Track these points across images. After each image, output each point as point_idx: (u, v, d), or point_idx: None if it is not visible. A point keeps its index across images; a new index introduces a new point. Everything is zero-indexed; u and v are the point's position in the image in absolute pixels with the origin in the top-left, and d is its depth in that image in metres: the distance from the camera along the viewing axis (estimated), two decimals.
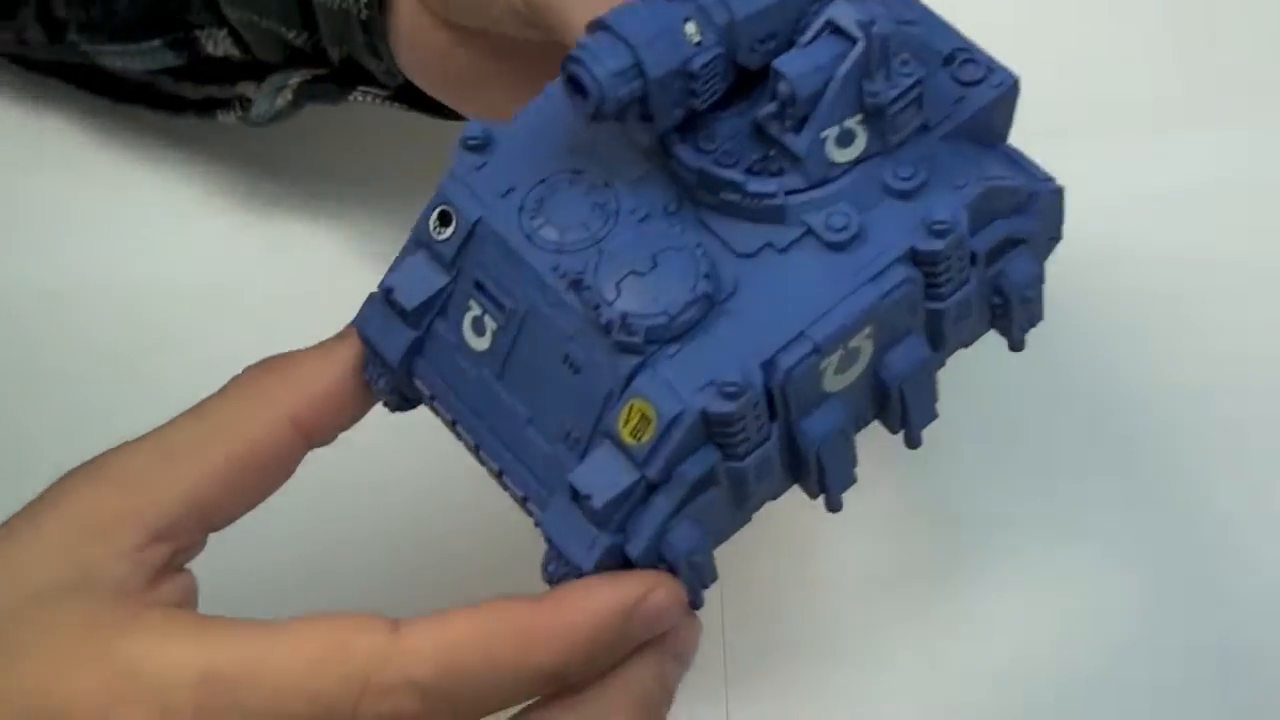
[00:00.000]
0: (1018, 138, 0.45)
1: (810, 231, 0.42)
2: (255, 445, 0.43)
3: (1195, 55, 0.69)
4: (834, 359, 0.41)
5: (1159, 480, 0.60)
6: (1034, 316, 0.45)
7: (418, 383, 0.45)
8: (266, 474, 0.44)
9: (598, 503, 0.41)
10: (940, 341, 0.44)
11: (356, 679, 0.39)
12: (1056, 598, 0.58)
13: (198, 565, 0.44)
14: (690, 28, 0.42)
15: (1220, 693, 0.56)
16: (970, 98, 0.44)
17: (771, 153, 0.43)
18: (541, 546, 0.42)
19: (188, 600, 0.43)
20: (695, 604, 0.43)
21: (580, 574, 0.41)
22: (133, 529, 0.42)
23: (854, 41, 0.41)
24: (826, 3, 0.42)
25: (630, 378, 0.41)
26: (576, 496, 0.41)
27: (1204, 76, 0.68)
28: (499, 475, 0.44)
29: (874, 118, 0.42)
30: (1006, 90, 0.44)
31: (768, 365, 0.41)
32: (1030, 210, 0.44)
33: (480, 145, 0.44)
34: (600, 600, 0.41)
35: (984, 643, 0.57)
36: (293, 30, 0.55)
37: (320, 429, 0.44)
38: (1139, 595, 0.58)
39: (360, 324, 0.45)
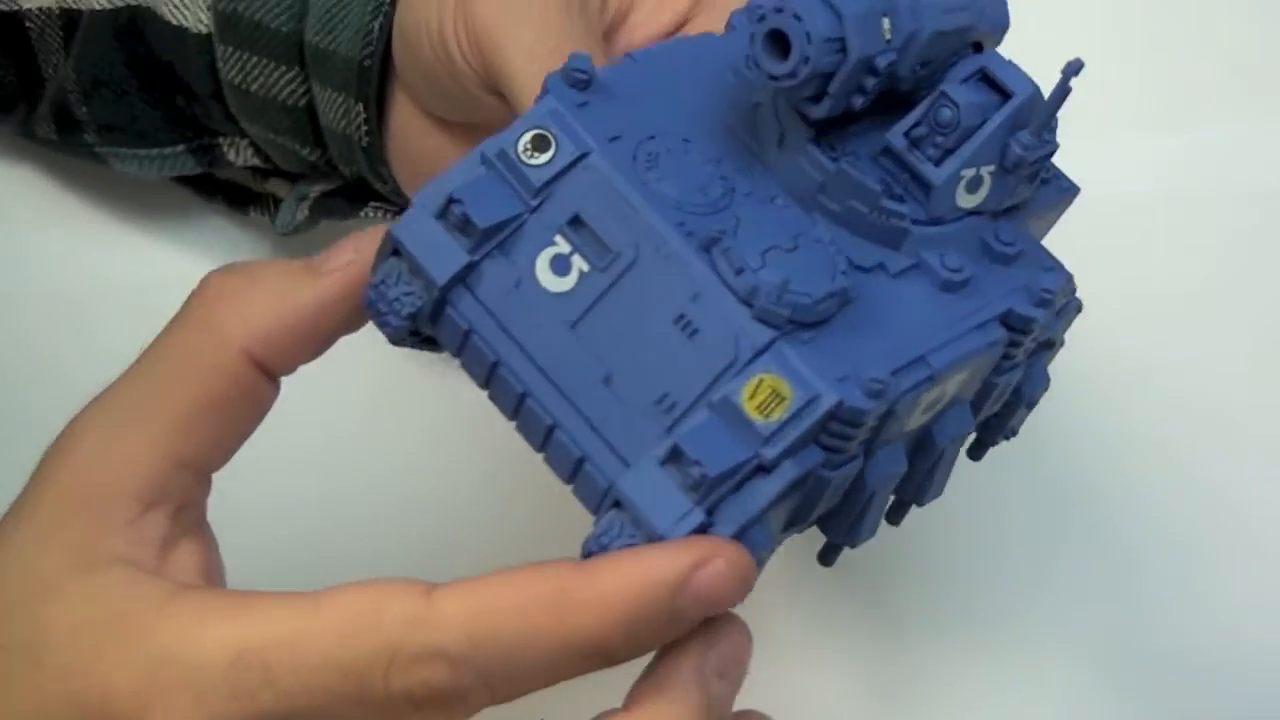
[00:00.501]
0: None
1: (920, 265, 0.42)
2: (214, 389, 0.42)
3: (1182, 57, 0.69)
4: (931, 395, 0.40)
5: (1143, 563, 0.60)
6: (1015, 428, 0.45)
7: (451, 313, 0.42)
8: (237, 412, 0.42)
9: (711, 470, 0.38)
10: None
11: (386, 648, 0.38)
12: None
13: None
14: (886, 23, 0.41)
15: None
16: (1041, 194, 0.44)
17: (903, 177, 0.42)
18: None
19: (209, 564, 0.42)
20: None
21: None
22: (121, 503, 0.41)
23: (1006, 94, 0.41)
24: (968, 53, 0.42)
25: (761, 351, 0.39)
26: (677, 460, 0.39)
27: (1187, 79, 0.68)
28: (549, 430, 0.41)
29: (1004, 173, 0.42)
30: (1069, 196, 0.45)
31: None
32: (1059, 316, 0.44)
33: (584, 83, 0.42)
34: (648, 568, 0.38)
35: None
36: (306, 148, 0.56)
37: (279, 365, 0.43)
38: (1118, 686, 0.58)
39: (401, 234, 0.41)
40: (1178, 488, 0.61)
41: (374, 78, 0.52)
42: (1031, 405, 0.44)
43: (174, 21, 0.56)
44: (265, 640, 0.38)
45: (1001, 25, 0.43)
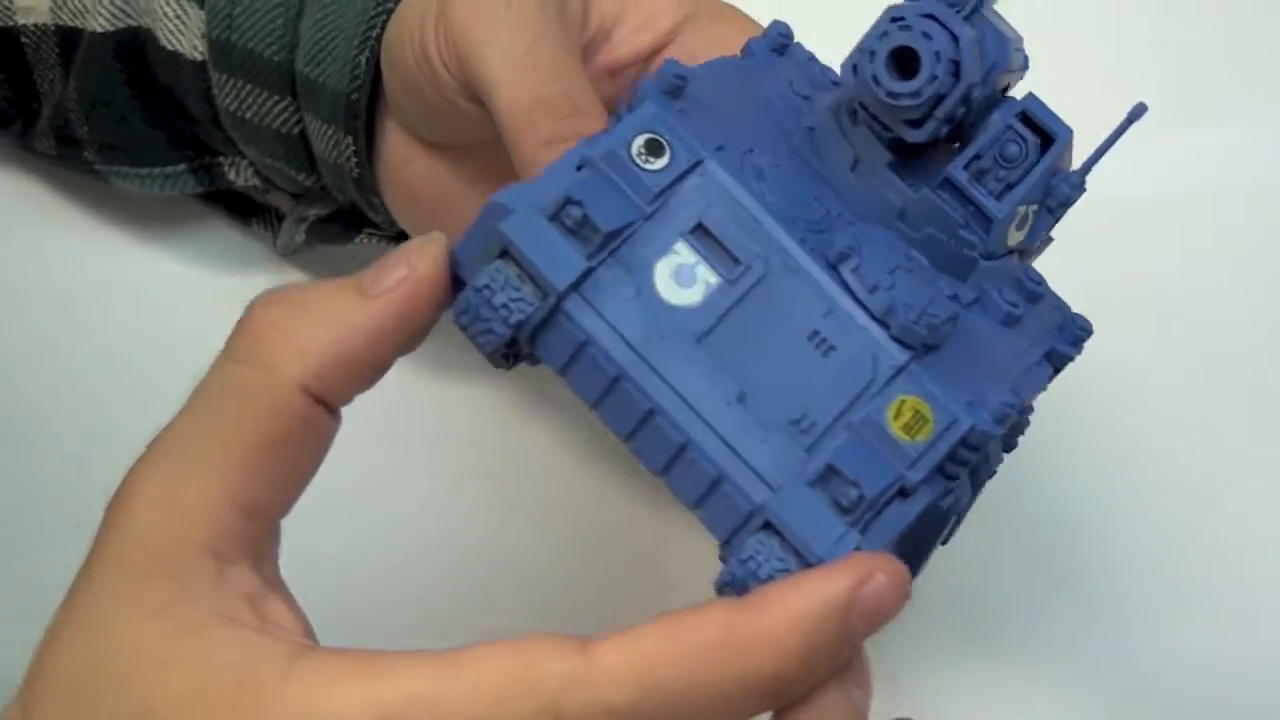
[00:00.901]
0: None
1: (982, 299, 0.42)
2: (274, 430, 0.39)
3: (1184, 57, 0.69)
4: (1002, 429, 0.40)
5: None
6: (995, 469, 0.43)
7: (565, 323, 0.39)
8: (299, 451, 0.39)
9: (870, 491, 0.37)
10: None
11: (547, 710, 0.35)
12: None
13: None
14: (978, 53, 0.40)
15: None
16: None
17: (962, 210, 0.41)
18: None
19: (304, 620, 0.39)
20: None
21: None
22: (197, 560, 0.38)
23: (1045, 135, 0.41)
24: (1003, 98, 0.42)
25: (899, 371, 0.38)
26: (830, 481, 0.38)
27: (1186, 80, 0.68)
28: (680, 449, 0.39)
29: (1047, 213, 0.42)
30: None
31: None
32: None
33: (679, 90, 0.40)
34: (813, 594, 0.36)
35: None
36: (302, 173, 0.56)
37: (338, 397, 0.40)
38: None
39: (514, 235, 0.38)
40: (1176, 491, 0.61)
41: (362, 111, 0.52)
42: (1010, 449, 0.44)
43: (169, 47, 0.56)
44: (406, 702, 0.36)
45: (1023, 67, 0.43)
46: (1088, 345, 0.44)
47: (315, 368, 0.39)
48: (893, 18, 0.39)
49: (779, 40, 0.45)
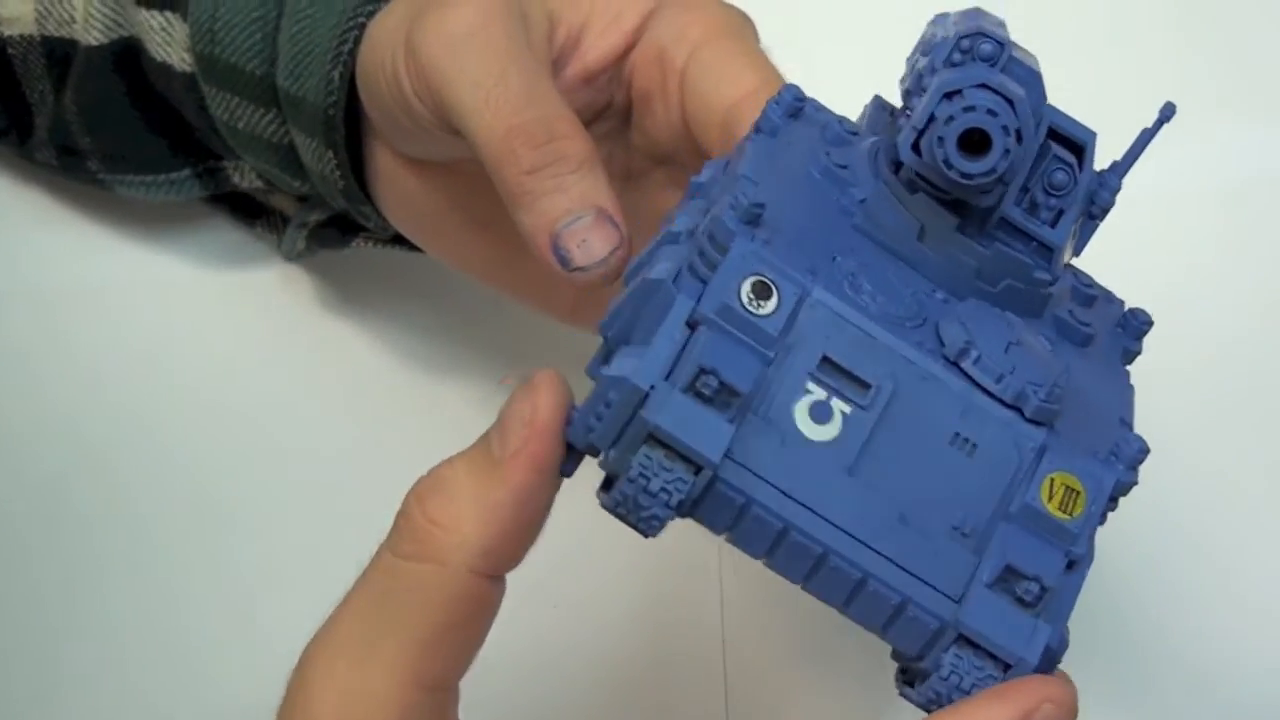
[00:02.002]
0: None
1: (1059, 330, 0.42)
2: (452, 616, 0.40)
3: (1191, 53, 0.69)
4: None
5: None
6: None
7: (723, 489, 0.39)
8: (474, 625, 0.41)
9: (1049, 580, 0.38)
10: None
11: None
12: None
13: None
14: None
15: None
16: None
17: (1021, 246, 0.41)
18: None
19: None
20: None
21: (1004, 674, 0.39)
22: None
23: (1072, 144, 0.41)
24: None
25: (1041, 451, 0.39)
26: (1009, 580, 0.39)
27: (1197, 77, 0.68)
28: (859, 583, 0.39)
29: (1090, 220, 0.42)
30: None
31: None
32: None
33: (757, 217, 0.39)
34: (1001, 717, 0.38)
35: None
36: (297, 180, 0.56)
37: (504, 567, 0.41)
38: None
39: (660, 420, 0.38)
40: (1169, 492, 0.61)
41: (339, 125, 0.52)
42: None
43: (159, 58, 0.56)
44: None
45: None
46: None
47: (478, 551, 0.40)
48: (947, 93, 0.39)
49: (794, 105, 0.44)
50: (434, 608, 0.40)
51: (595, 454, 0.39)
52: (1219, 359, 0.63)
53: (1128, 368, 0.44)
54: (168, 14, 0.55)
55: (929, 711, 0.39)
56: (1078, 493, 0.39)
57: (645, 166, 0.52)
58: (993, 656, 0.38)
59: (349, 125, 0.52)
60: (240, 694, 0.54)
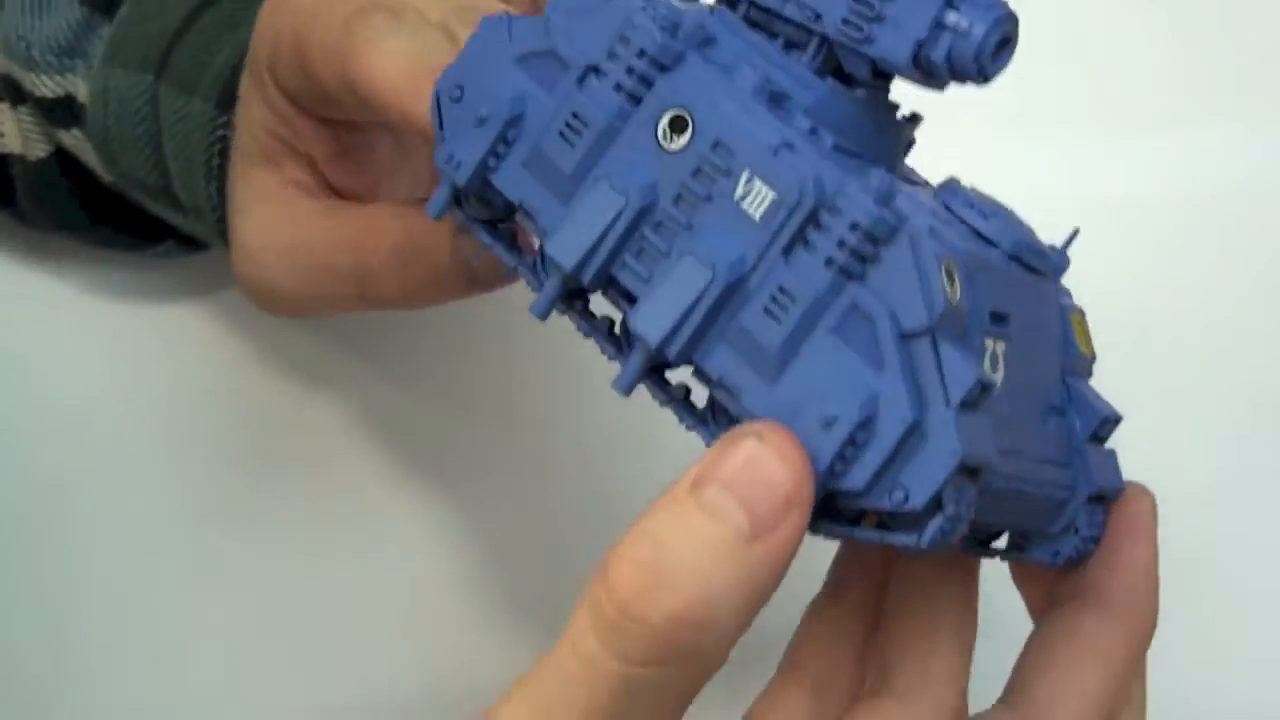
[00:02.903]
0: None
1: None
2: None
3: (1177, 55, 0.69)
4: None
5: None
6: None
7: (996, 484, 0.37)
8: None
9: (1112, 413, 0.42)
10: None
11: None
12: None
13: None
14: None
15: None
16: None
17: None
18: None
19: None
20: None
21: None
22: None
23: None
24: None
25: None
26: (1100, 429, 0.41)
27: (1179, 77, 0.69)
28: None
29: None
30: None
31: None
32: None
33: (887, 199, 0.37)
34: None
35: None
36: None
37: None
38: None
39: (967, 449, 0.35)
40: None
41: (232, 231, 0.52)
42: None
43: (89, 167, 0.56)
44: None
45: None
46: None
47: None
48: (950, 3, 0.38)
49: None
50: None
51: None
52: (1218, 359, 0.64)
53: None
54: (75, 131, 0.55)
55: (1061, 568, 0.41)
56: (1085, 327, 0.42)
57: None
58: (1102, 498, 0.41)
59: None
60: (240, 692, 0.54)
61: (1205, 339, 0.64)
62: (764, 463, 0.34)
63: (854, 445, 0.35)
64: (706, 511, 0.34)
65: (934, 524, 0.35)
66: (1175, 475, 0.61)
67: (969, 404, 0.35)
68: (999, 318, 0.38)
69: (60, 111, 0.54)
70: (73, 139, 0.55)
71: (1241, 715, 0.59)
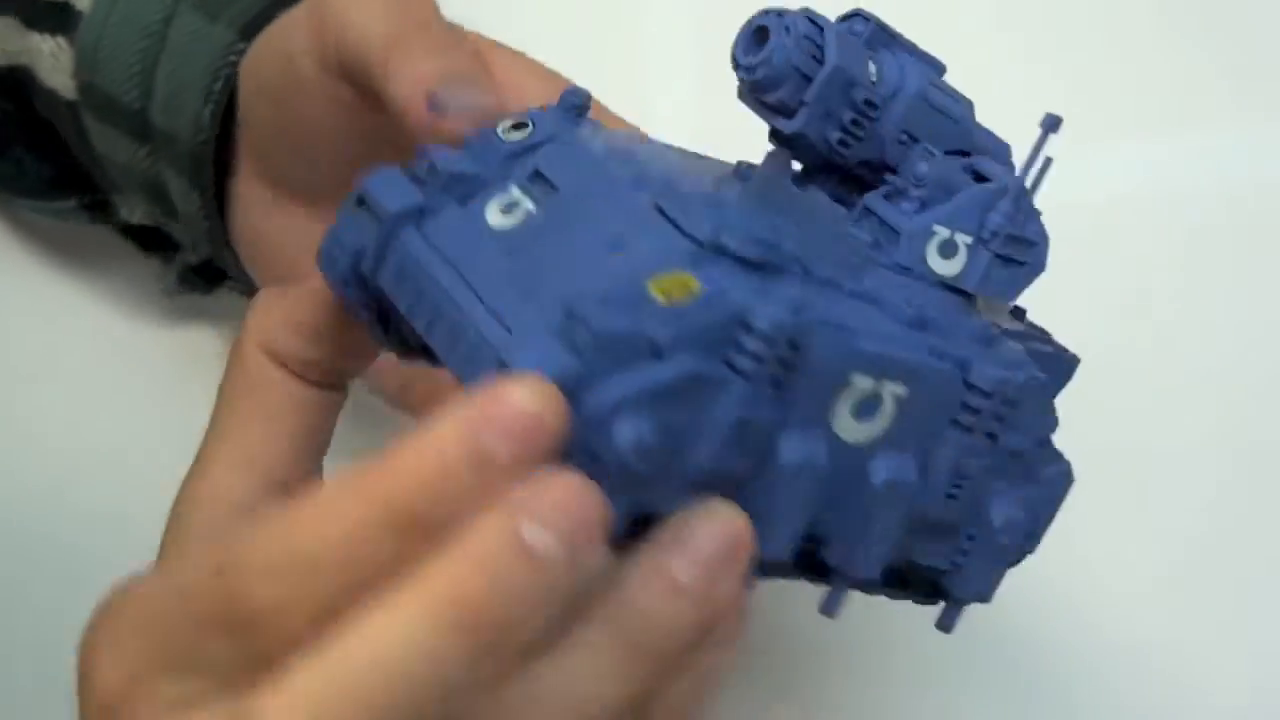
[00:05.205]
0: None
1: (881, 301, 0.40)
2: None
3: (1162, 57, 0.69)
4: (857, 388, 0.38)
5: None
6: (985, 592, 0.42)
7: (395, 243, 0.40)
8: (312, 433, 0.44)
9: (597, 327, 0.37)
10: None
11: None
12: None
13: None
14: (872, 66, 0.41)
15: None
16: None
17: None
18: None
19: None
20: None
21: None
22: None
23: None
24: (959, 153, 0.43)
25: (689, 259, 0.38)
26: (571, 324, 0.37)
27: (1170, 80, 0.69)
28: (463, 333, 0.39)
29: (981, 244, 0.41)
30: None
31: None
32: (1026, 424, 0.42)
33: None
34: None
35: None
36: (168, 219, 0.55)
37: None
38: None
39: (370, 185, 0.40)
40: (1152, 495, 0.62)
41: (208, 164, 0.52)
42: (1008, 555, 0.42)
43: (47, 84, 0.55)
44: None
45: (1003, 157, 0.44)
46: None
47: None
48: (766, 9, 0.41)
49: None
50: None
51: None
52: (1219, 359, 0.64)
53: (955, 367, 0.40)
54: (59, 38, 0.54)
55: None
56: (690, 288, 0.36)
57: None
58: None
59: (219, 168, 0.52)
60: None
61: (1205, 339, 0.64)
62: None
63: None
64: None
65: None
66: (1175, 474, 0.61)
67: (414, 175, 0.40)
68: (549, 185, 0.40)
69: (50, 14, 0.54)
70: (50, 44, 0.54)
71: (1241, 715, 0.59)
